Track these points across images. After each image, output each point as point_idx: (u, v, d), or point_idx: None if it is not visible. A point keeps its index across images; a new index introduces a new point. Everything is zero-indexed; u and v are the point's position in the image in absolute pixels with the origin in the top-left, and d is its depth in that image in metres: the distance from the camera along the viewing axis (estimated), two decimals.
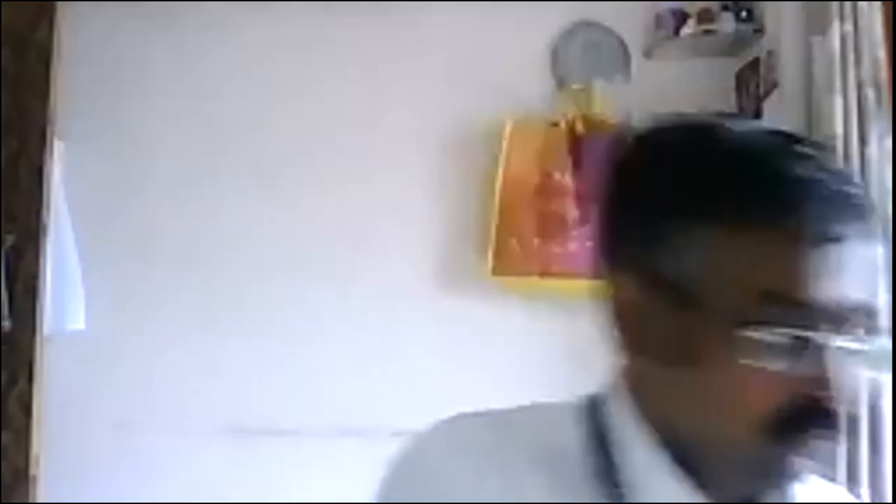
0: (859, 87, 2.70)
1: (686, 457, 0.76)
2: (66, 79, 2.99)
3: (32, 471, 2.80)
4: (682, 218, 0.70)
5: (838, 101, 2.68)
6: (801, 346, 0.68)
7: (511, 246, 3.14)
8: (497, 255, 3.14)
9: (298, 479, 3.10)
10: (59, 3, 2.93)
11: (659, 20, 3.25)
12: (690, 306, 0.71)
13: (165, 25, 3.28)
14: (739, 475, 0.75)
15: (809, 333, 0.68)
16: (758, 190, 0.67)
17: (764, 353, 0.68)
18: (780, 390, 0.70)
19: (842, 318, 0.69)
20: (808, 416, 0.70)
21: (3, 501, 2.74)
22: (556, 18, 3.30)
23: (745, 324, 0.68)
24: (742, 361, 0.69)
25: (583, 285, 3.31)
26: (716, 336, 0.70)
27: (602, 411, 0.81)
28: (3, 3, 2.87)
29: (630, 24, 3.31)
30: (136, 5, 3.24)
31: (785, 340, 0.68)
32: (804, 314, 0.68)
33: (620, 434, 0.79)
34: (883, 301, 0.74)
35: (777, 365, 0.68)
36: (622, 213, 0.75)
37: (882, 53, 2.71)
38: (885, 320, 0.77)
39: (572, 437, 0.80)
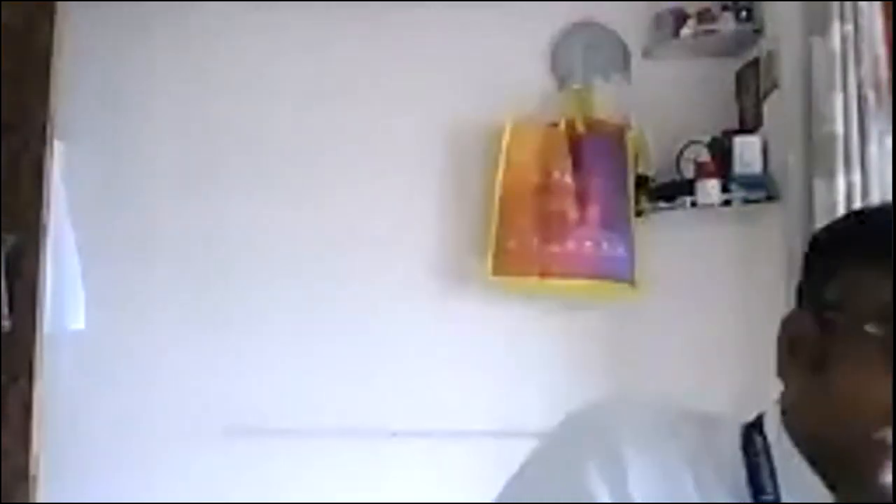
0: (859, 86, 2.70)
1: (819, 464, 0.85)
2: (66, 79, 2.98)
3: (32, 471, 2.79)
4: (837, 258, 0.88)
5: (838, 101, 2.68)
6: None
7: (511, 246, 3.14)
8: (497, 255, 3.14)
9: (298, 479, 3.10)
10: (59, 3, 2.93)
11: (659, 20, 3.26)
12: (835, 325, 0.85)
13: (166, 26, 3.28)
14: (857, 479, 0.82)
15: None
16: (887, 235, 0.86)
17: (882, 360, 0.80)
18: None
19: None
20: None
21: (3, 501, 2.74)
22: (556, 18, 3.31)
23: (870, 332, 0.81)
24: (863, 366, 0.81)
25: (582, 285, 3.35)
26: (843, 343, 0.83)
27: (762, 427, 0.91)
28: (3, 3, 2.87)
29: (630, 24, 3.31)
30: (136, 5, 3.24)
31: None
32: None
33: (776, 447, 0.88)
34: None
35: (891, 371, 0.79)
36: (811, 264, 0.92)
37: (882, 53, 2.72)
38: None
39: (734, 443, 0.90)
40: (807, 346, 0.87)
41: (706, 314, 3.18)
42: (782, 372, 0.90)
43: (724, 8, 3.18)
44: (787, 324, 0.90)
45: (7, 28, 2.85)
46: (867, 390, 0.81)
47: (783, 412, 0.90)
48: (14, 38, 2.86)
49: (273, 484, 3.11)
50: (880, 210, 0.92)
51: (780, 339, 0.90)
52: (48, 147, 2.88)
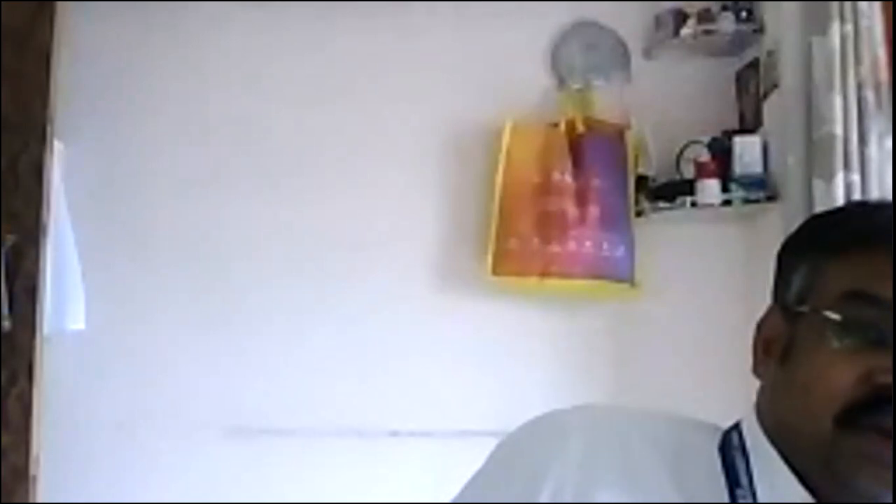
0: (859, 87, 2.70)
1: (792, 457, 0.87)
2: (66, 79, 2.98)
3: (32, 471, 2.80)
4: (797, 256, 0.92)
5: (838, 101, 2.68)
6: (877, 339, 0.82)
7: (511, 246, 3.14)
8: (497, 255, 3.14)
9: (298, 479, 3.10)
10: (59, 3, 2.93)
11: (659, 20, 3.26)
12: (799, 317, 0.88)
13: (165, 25, 3.28)
14: (823, 470, 0.84)
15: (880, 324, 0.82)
16: (847, 229, 0.90)
17: (843, 344, 0.83)
18: (855, 378, 0.81)
19: None
20: (879, 403, 0.80)
21: (3, 501, 2.74)
22: (556, 18, 3.31)
23: (830, 319, 0.84)
24: (824, 351, 0.83)
25: (582, 285, 3.35)
26: (807, 333, 0.86)
27: (741, 428, 0.93)
28: (3, 3, 2.87)
29: (630, 24, 3.31)
30: (136, 5, 3.24)
31: (860, 330, 0.83)
32: (879, 310, 0.83)
33: (752, 445, 0.90)
34: None
35: (853, 354, 0.82)
36: (782, 265, 0.95)
37: (882, 53, 2.72)
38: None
39: (712, 444, 0.92)
40: (778, 343, 0.90)
41: (706, 314, 3.18)
42: (757, 371, 0.93)
43: (724, 8, 3.18)
44: (760, 325, 0.94)
45: (7, 28, 2.85)
46: (826, 374, 0.83)
47: (758, 410, 0.92)
48: (14, 38, 2.87)
49: (273, 484, 3.11)
50: (843, 208, 0.97)
51: (755, 340, 0.93)
52: (48, 147, 2.88)
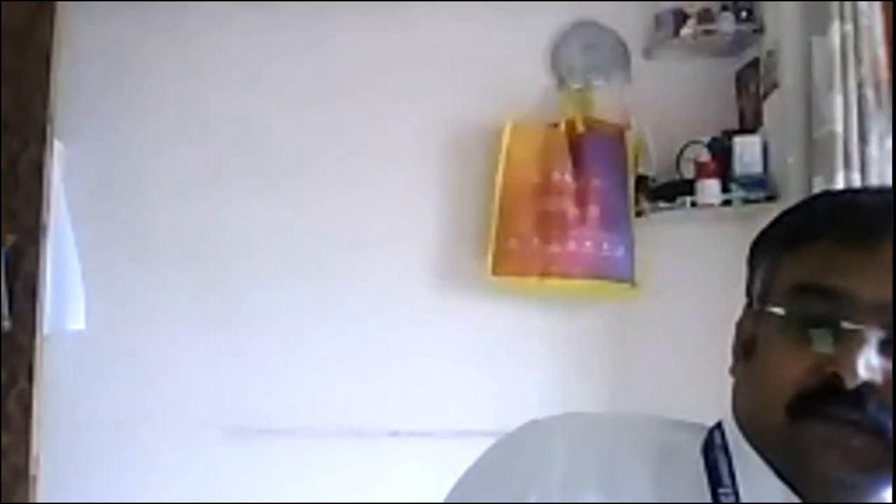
0: (859, 86, 2.70)
1: (765, 453, 0.86)
2: (66, 79, 2.99)
3: (32, 471, 2.80)
4: (762, 253, 0.93)
5: (838, 101, 2.68)
6: (828, 332, 0.81)
7: (511, 246, 3.14)
8: (497, 255, 3.14)
9: (298, 479, 3.10)
10: (59, 3, 2.93)
11: (659, 20, 3.26)
12: (759, 314, 0.89)
13: (165, 25, 3.28)
14: (785, 461, 0.84)
15: (830, 318, 0.81)
16: (801, 222, 0.90)
17: (791, 337, 0.83)
18: (805, 369, 0.81)
19: (868, 309, 0.80)
20: (830, 395, 0.80)
21: (3, 501, 2.74)
22: (556, 18, 3.31)
23: (782, 315, 0.84)
24: (776, 344, 0.84)
25: (582, 285, 3.34)
26: (764, 328, 0.87)
27: (723, 425, 0.93)
28: (3, 2, 2.87)
29: (630, 24, 3.31)
30: (136, 5, 3.24)
31: (808, 322, 0.82)
32: (830, 300, 0.82)
33: (733, 443, 0.90)
34: None
35: (803, 346, 0.82)
36: (751, 264, 0.96)
37: (882, 53, 2.72)
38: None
39: (696, 444, 0.91)
40: (750, 342, 0.90)
41: (706, 314, 3.16)
42: (732, 371, 0.94)
43: (724, 8, 3.18)
44: (737, 327, 0.95)
45: (7, 28, 2.86)
46: (777, 366, 0.84)
47: (733, 409, 0.92)
48: (14, 38, 2.87)
49: (273, 484, 3.11)
50: (808, 200, 0.97)
51: (733, 342, 0.94)
52: (48, 147, 2.88)
